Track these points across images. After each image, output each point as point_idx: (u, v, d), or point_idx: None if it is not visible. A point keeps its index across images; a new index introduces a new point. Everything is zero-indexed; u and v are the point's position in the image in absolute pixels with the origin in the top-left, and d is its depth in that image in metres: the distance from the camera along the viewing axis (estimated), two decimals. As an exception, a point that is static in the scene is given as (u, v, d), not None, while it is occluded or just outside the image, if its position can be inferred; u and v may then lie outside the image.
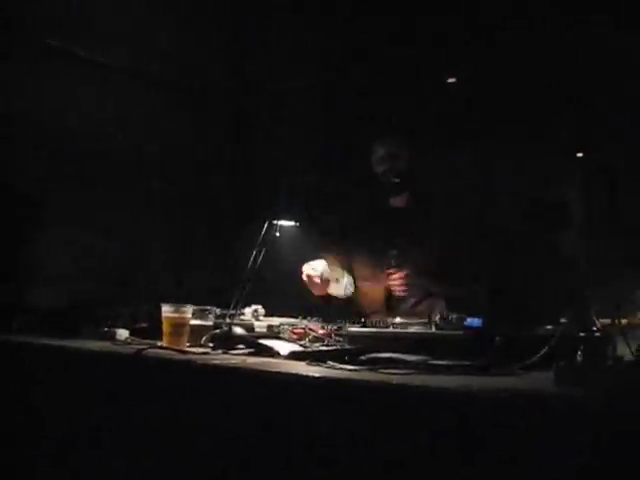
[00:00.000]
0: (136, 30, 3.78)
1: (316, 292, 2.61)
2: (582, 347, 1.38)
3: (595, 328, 1.70)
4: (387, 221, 2.79)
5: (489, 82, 3.94)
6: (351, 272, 2.82)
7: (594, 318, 1.86)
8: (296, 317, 2.19)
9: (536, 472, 1.18)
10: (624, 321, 1.74)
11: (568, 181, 4.45)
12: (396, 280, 2.60)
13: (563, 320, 1.87)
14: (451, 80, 4.27)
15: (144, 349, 1.94)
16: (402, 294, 2.62)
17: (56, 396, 2.09)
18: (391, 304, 2.65)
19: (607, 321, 1.79)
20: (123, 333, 2.33)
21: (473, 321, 1.87)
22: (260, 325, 2.21)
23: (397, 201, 2.79)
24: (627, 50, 3.50)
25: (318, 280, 2.55)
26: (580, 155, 4.43)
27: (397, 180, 2.71)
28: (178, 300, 2.10)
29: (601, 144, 4.04)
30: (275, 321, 2.19)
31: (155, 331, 2.13)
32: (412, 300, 2.65)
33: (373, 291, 2.73)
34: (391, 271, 2.61)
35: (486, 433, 1.23)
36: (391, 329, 1.94)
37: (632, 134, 3.69)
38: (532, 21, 3.57)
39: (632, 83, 3.58)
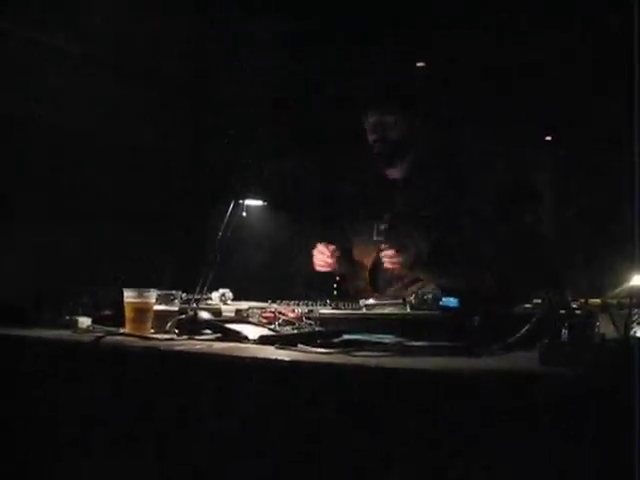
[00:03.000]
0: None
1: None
2: (566, 325, 1.31)
3: (575, 306, 1.64)
4: (380, 193, 2.61)
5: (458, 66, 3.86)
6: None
7: (570, 297, 1.80)
8: (265, 300, 2.10)
9: (519, 454, 1.11)
10: (598, 301, 1.69)
11: (539, 164, 4.42)
12: (387, 256, 2.38)
13: (537, 300, 1.82)
14: (420, 64, 4.19)
15: (103, 336, 1.84)
16: (392, 269, 2.41)
17: (14, 389, 1.99)
18: (377, 284, 2.49)
19: (582, 300, 1.74)
20: (85, 321, 2.21)
21: (449, 301, 1.81)
22: (228, 309, 2.12)
23: (392, 172, 2.59)
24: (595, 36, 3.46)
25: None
26: (549, 139, 4.40)
27: (388, 150, 2.52)
28: (146, 286, 1.98)
29: (570, 128, 4.00)
30: (243, 305, 2.09)
31: (120, 319, 2.03)
32: (400, 283, 2.45)
33: (362, 268, 2.56)
34: (383, 247, 2.40)
35: (469, 415, 1.15)
36: (364, 310, 1.86)
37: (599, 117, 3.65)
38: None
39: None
